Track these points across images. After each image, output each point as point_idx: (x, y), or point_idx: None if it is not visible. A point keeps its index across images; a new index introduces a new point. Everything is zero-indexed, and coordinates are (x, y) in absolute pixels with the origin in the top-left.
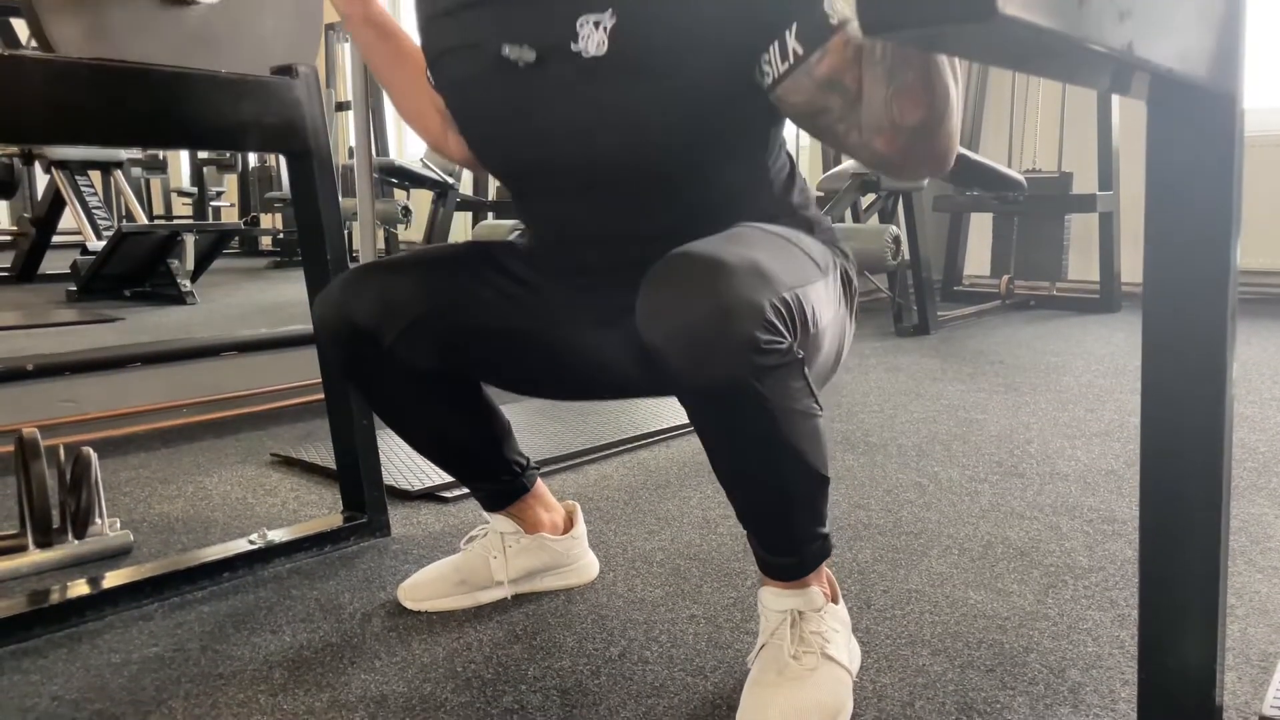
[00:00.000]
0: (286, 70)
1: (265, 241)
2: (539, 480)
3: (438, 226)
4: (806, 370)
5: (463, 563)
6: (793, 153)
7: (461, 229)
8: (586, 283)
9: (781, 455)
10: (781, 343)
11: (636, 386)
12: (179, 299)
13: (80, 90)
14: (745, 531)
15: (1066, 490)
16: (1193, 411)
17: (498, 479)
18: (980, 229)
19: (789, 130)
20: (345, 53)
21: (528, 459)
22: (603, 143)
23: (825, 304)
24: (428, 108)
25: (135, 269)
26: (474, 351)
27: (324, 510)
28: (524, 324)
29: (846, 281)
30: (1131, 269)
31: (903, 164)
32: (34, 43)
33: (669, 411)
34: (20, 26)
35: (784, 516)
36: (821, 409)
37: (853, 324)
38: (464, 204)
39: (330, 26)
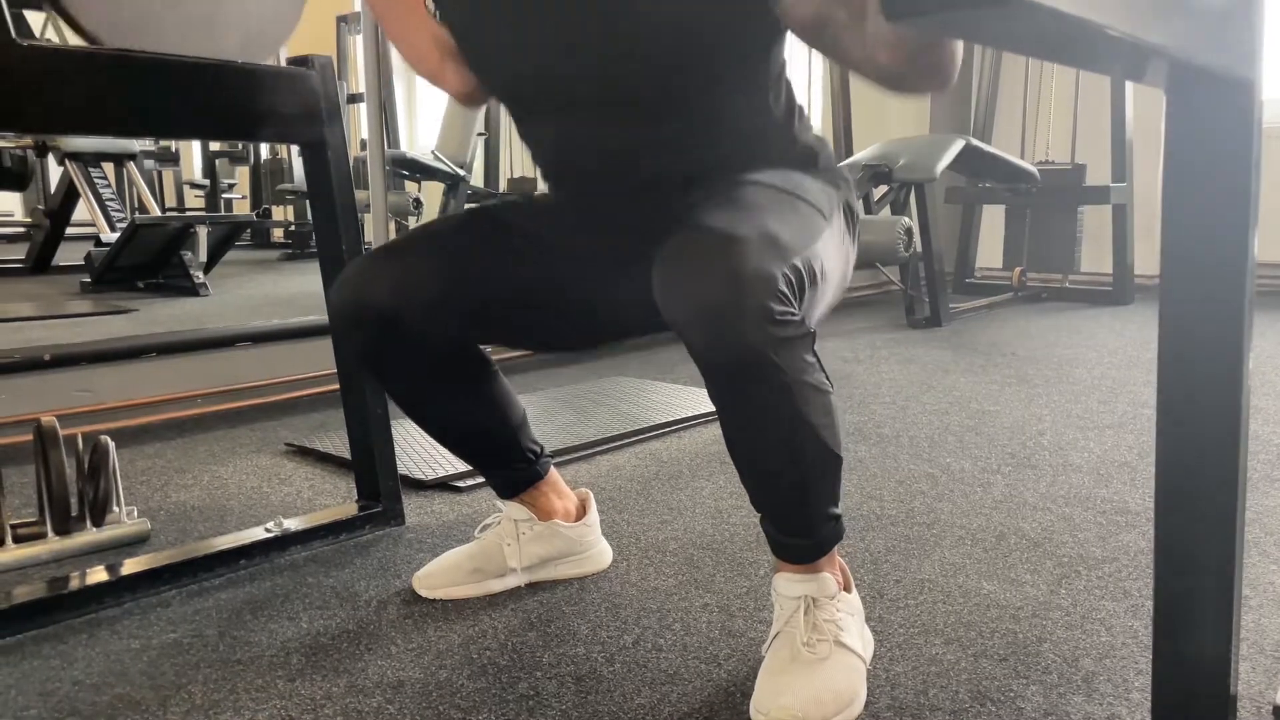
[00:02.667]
0: (302, 61)
1: (277, 233)
2: (552, 468)
3: None
4: (816, 347)
5: (477, 550)
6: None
7: None
8: (590, 213)
9: (796, 427)
10: (794, 315)
11: (646, 324)
12: (192, 290)
13: (98, 81)
14: (759, 516)
15: (1080, 481)
16: (1209, 402)
17: (512, 465)
18: (992, 221)
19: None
20: (357, 44)
21: (541, 447)
22: (605, 53)
23: (832, 252)
24: (426, 40)
25: (148, 260)
26: (493, 317)
27: (339, 499)
28: (536, 281)
29: (848, 213)
30: (1145, 261)
31: (906, 77)
32: (49, 34)
33: (680, 402)
34: (35, 19)
35: (799, 491)
36: (831, 386)
37: (854, 249)
38: (474, 196)
39: (342, 18)
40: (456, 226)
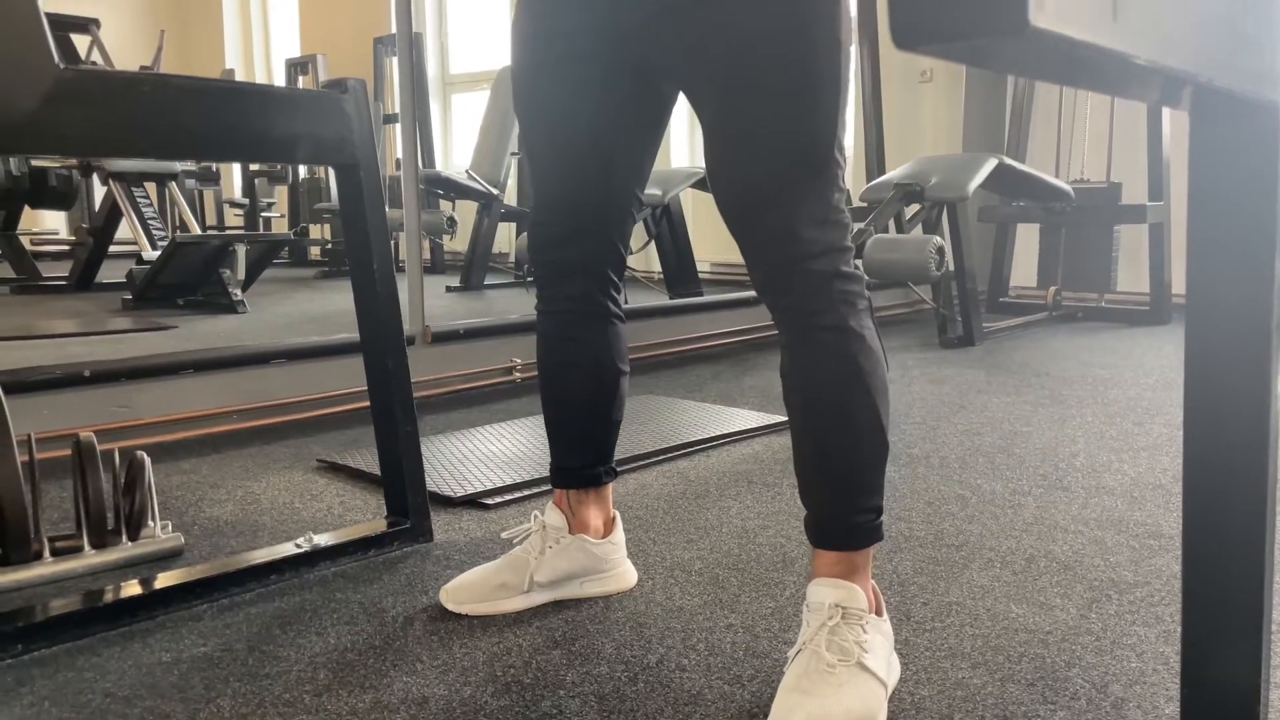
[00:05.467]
0: (337, 85)
1: (314, 252)
2: (610, 484)
3: (482, 237)
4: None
5: (504, 565)
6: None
7: (505, 239)
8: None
9: (856, 381)
10: (852, 277)
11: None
12: (230, 308)
13: (137, 105)
14: (804, 504)
15: (1112, 504)
16: (1237, 424)
17: (587, 456)
18: (1027, 239)
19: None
20: (393, 66)
21: (614, 460)
22: None
23: (840, 79)
24: None
25: (188, 278)
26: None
27: (368, 515)
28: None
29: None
30: (1183, 280)
31: None
32: (95, 57)
33: (709, 421)
34: (81, 41)
35: (851, 453)
36: (885, 357)
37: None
38: (508, 214)
39: (379, 40)
40: (571, 173)
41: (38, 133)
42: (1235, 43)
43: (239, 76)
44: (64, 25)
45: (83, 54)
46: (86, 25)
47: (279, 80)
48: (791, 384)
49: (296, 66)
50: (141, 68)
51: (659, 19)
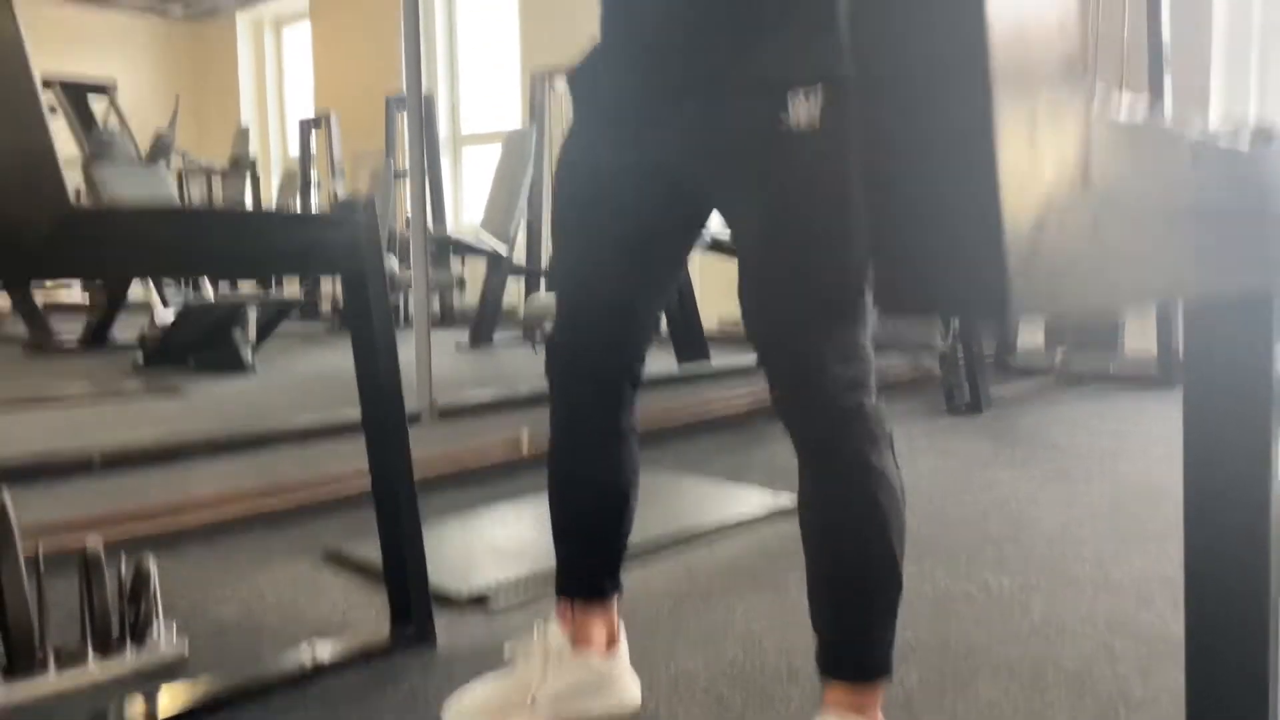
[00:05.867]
0: (347, 205)
1: (325, 303)
2: (616, 600)
3: (490, 294)
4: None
5: (507, 685)
6: None
7: (514, 297)
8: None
9: (873, 520)
10: (875, 413)
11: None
12: (240, 368)
13: (154, 234)
14: (815, 630)
15: (1120, 604)
16: (1237, 517)
17: (593, 570)
18: None
19: None
20: (403, 121)
21: (620, 577)
22: None
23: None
24: None
25: (200, 339)
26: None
27: (372, 613)
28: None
29: None
30: None
31: None
32: (112, 118)
33: (716, 503)
34: (98, 103)
35: (864, 593)
36: (903, 493)
37: None
38: (517, 271)
39: (389, 99)
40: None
41: (50, 263)
42: (1222, 261)
43: (254, 135)
44: (81, 88)
45: (99, 116)
46: (103, 88)
47: (293, 136)
48: (808, 517)
49: (310, 124)
50: (157, 130)
51: (703, 164)
